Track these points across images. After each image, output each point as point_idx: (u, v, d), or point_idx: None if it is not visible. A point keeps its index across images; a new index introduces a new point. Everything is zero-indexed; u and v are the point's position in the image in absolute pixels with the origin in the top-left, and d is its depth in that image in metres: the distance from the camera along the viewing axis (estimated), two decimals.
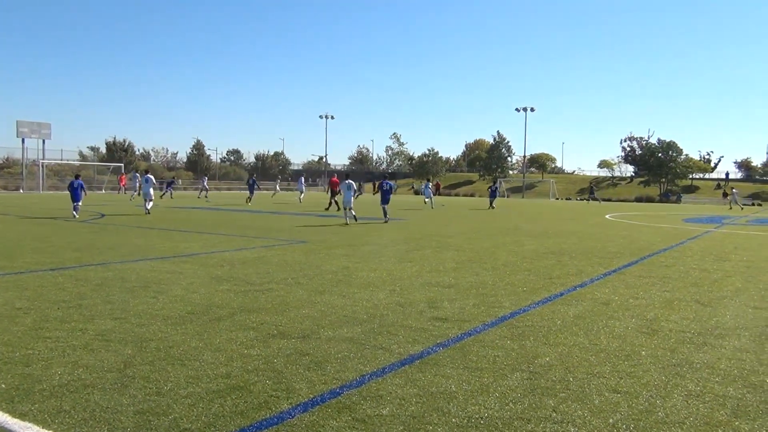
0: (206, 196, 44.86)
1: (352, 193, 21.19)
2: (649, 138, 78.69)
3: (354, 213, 21.17)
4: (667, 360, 5.08)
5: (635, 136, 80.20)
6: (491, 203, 37.70)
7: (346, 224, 19.99)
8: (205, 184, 47.13)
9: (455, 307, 6.99)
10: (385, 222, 21.45)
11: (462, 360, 4.92)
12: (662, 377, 4.62)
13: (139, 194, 31.99)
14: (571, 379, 4.53)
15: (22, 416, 3.60)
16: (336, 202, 29.12)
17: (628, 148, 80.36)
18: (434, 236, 16.32)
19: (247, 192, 38.71)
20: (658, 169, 73.70)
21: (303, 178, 46.97)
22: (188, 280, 8.36)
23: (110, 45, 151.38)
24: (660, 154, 74.20)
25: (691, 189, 75.66)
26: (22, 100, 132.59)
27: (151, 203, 24.06)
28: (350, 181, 21.39)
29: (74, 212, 21.57)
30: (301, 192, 42.45)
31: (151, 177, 24.57)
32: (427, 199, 38.28)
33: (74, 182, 22.62)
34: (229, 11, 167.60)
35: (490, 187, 41.24)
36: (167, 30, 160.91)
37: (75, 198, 21.93)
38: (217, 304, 6.82)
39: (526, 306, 7.18)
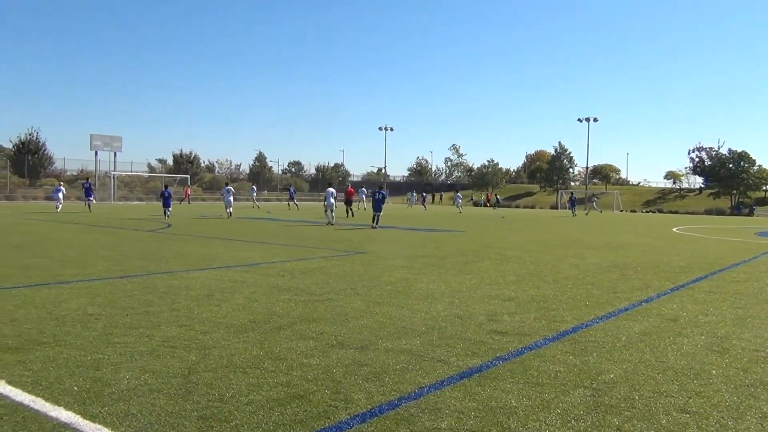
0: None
1: (333, 200, 25.83)
2: (719, 148, 75.85)
3: (334, 216, 25.80)
4: (740, 380, 4.86)
5: (704, 146, 77.45)
6: (573, 211, 47.11)
7: (330, 224, 24.80)
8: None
9: (515, 321, 6.89)
10: (373, 228, 23.18)
11: (522, 375, 4.84)
12: (734, 398, 4.41)
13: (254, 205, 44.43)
14: (636, 397, 4.38)
15: (92, 418, 3.74)
16: (351, 210, 34.19)
17: (697, 159, 77.60)
18: (493, 248, 16.15)
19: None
20: (729, 180, 70.90)
21: (364, 189, 52.12)
22: (250, 290, 8.53)
23: (177, 62, 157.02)
24: (731, 165, 71.38)
25: (764, 201, 72.39)
26: (96, 115, 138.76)
27: (231, 209, 29.63)
28: (332, 189, 26.36)
29: (165, 215, 27.79)
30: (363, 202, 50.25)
31: (231, 188, 30.98)
32: (458, 209, 50.11)
33: (165, 192, 29.38)
34: (291, 28, 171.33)
35: (570, 198, 50.24)
36: (230, 46, 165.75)
37: (165, 204, 28.48)
38: (277, 314, 6.93)
39: (589, 321, 7.01)
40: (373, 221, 24.01)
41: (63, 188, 36.16)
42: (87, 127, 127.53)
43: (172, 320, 6.47)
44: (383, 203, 25.18)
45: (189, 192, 55.77)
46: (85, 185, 37.52)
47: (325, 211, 26.27)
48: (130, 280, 9.22)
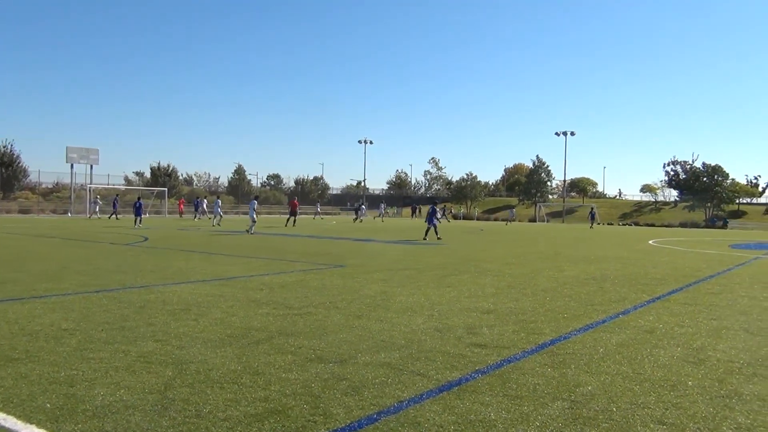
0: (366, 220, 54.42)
1: (254, 212, 29.12)
2: (693, 162, 77.22)
3: (254, 228, 28.54)
4: (715, 391, 4.91)
5: (679, 160, 78.74)
6: (592, 224, 51.84)
7: (248, 233, 27.39)
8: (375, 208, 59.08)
9: (494, 333, 6.90)
10: (439, 239, 25.58)
11: (501, 387, 4.84)
12: (710, 409, 4.46)
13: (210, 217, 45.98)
14: (614, 409, 4.41)
15: None
16: (294, 221, 37.45)
17: (672, 173, 78.84)
18: (472, 261, 16.20)
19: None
20: (704, 193, 72.10)
21: (383, 204, 58.66)
22: (228, 304, 8.45)
23: (154, 71, 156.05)
24: (705, 179, 72.66)
25: (737, 214, 73.65)
26: (71, 127, 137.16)
27: (219, 217, 37.19)
28: (255, 201, 29.89)
29: (137, 224, 31.52)
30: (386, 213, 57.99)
31: (219, 201, 39.50)
32: (378, 217, 57.63)
33: (137, 203, 32.88)
34: (269, 39, 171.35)
35: (590, 212, 54.54)
36: (208, 57, 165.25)
37: (137, 213, 32.24)
38: (255, 328, 6.87)
39: (567, 333, 7.05)
40: (434, 233, 26.11)
41: (100, 201, 49.17)
42: (63, 139, 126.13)
43: (149, 335, 6.38)
44: (435, 217, 26.74)
45: (183, 207, 58.44)
46: (136, 204, 44.18)
47: (252, 222, 29.18)
48: (106, 294, 9.08)
